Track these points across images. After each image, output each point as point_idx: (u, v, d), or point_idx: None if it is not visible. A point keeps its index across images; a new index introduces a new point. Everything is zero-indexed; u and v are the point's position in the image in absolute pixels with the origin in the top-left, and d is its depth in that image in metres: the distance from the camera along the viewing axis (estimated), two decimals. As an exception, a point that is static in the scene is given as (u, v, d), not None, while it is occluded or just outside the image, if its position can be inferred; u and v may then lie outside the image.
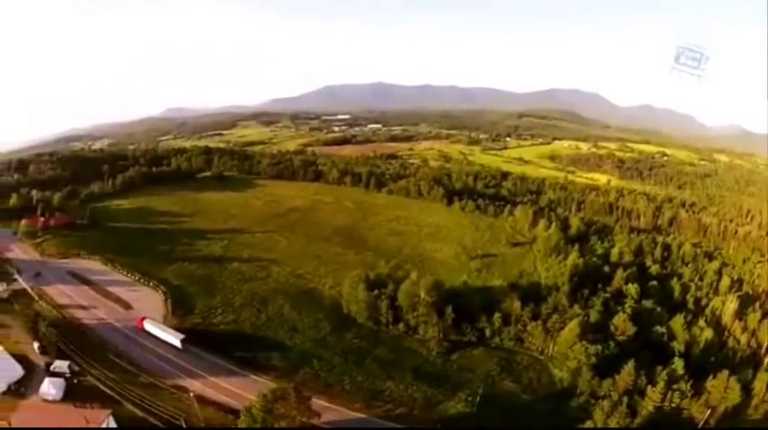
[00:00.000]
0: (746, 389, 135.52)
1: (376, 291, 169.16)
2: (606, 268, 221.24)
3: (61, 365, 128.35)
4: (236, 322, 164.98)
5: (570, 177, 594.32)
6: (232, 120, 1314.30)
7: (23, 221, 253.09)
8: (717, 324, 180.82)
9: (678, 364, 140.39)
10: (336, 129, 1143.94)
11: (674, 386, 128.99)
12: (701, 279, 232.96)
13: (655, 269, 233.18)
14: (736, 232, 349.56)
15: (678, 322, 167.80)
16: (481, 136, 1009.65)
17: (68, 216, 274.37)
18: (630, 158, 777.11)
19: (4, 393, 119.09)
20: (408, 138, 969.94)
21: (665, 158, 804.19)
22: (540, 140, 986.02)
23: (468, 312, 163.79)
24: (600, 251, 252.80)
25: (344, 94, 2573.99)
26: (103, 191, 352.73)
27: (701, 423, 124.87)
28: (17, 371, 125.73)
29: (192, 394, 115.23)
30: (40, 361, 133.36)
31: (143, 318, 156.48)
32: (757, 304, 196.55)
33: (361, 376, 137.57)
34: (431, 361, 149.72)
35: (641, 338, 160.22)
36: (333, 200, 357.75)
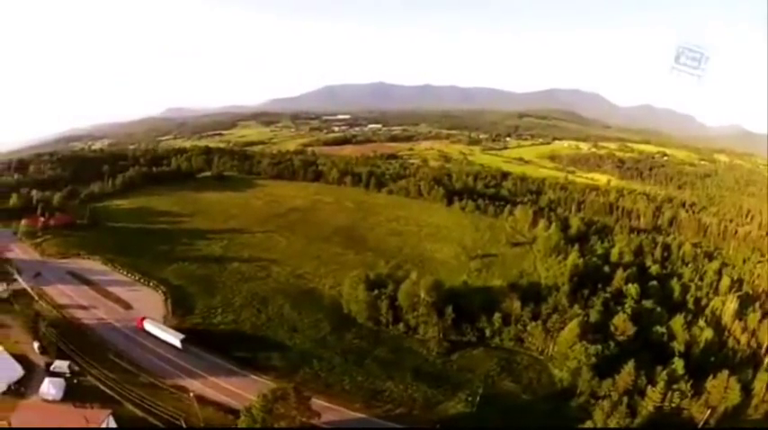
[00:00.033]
0: (746, 390, 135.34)
1: (376, 291, 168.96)
2: (606, 268, 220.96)
3: (61, 365, 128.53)
4: (236, 322, 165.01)
5: (570, 177, 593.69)
6: (232, 120, 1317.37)
7: (23, 221, 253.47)
8: (717, 324, 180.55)
9: (678, 364, 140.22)
10: (336, 129, 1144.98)
11: (674, 386, 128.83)
12: (701, 279, 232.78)
13: (655, 269, 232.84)
14: (736, 232, 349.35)
15: (678, 322, 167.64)
16: (481, 136, 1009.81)
17: (68, 216, 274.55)
18: (630, 158, 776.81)
19: (5, 393, 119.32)
20: (408, 138, 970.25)
21: (665, 158, 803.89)
22: (541, 140, 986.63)
23: (468, 312, 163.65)
24: (600, 251, 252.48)
25: (345, 93, 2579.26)
26: (103, 191, 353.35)
27: (701, 423, 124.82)
28: (17, 370, 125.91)
29: (191, 394, 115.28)
30: (40, 361, 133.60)
31: (143, 318, 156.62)
32: (757, 304, 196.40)
33: (361, 376, 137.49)
34: (431, 361, 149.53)
35: (641, 338, 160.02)
36: (333, 200, 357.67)
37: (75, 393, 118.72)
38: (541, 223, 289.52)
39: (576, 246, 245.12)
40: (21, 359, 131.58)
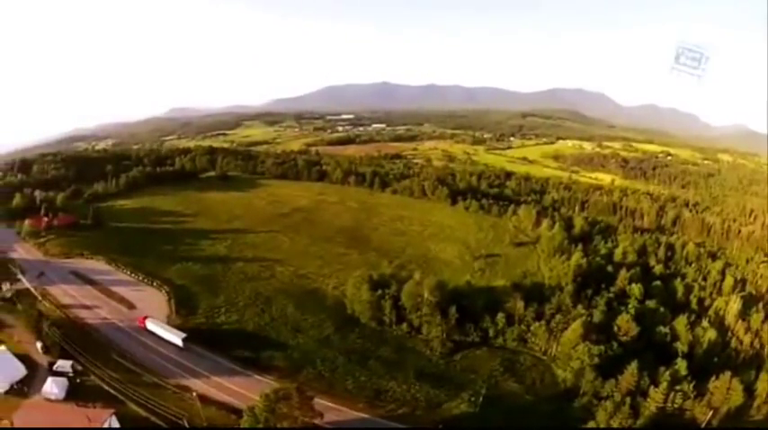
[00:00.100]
0: (749, 390, 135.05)
1: (379, 291, 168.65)
2: (610, 268, 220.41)
3: (64, 365, 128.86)
4: (239, 322, 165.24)
5: (574, 177, 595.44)
6: (236, 119, 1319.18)
7: (27, 221, 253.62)
8: (720, 324, 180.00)
9: (681, 365, 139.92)
10: (340, 128, 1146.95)
11: (677, 387, 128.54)
12: (704, 279, 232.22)
13: (658, 269, 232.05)
14: (739, 232, 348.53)
15: (681, 322, 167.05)
16: (485, 135, 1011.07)
17: (72, 216, 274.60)
18: (634, 158, 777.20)
19: (7, 392, 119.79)
20: (412, 138, 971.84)
21: (669, 158, 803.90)
22: (545, 140, 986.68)
23: (472, 312, 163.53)
24: (603, 251, 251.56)
25: (348, 93, 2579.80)
26: (107, 191, 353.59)
27: (704, 424, 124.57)
28: (20, 370, 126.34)
29: (194, 394, 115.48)
30: (43, 360, 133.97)
31: (145, 317, 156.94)
32: (760, 304, 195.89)
33: (364, 376, 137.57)
34: (434, 361, 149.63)
35: (644, 339, 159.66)
36: (337, 200, 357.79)
37: (77, 393, 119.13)
38: (545, 223, 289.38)
39: (580, 246, 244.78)
40: (24, 358, 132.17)
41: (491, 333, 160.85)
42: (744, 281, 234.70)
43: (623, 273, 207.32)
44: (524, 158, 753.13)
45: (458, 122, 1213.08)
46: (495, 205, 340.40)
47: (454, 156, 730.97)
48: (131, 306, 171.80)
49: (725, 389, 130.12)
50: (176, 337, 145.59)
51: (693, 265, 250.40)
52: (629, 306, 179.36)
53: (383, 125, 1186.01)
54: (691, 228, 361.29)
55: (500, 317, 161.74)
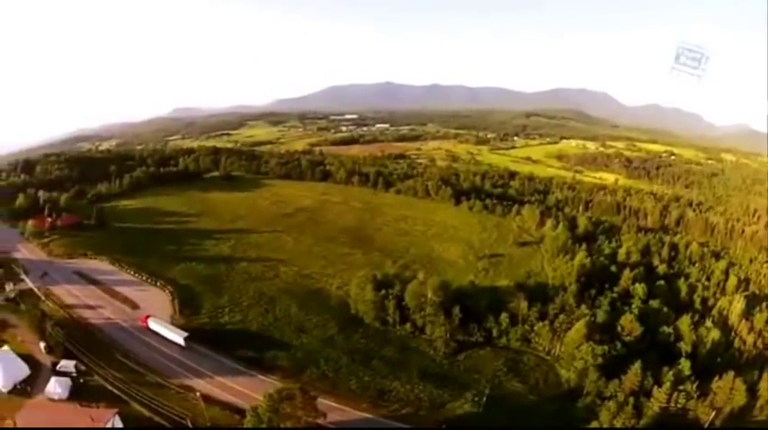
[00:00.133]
0: (752, 390, 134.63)
1: (383, 291, 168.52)
2: (613, 268, 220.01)
3: (67, 365, 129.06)
4: (243, 322, 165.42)
5: (578, 177, 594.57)
6: (240, 119, 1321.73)
7: (31, 222, 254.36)
8: (723, 324, 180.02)
9: (685, 365, 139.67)
10: (344, 128, 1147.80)
11: (680, 387, 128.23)
12: (707, 279, 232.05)
13: (662, 269, 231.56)
14: (743, 231, 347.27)
15: (685, 322, 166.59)
16: (489, 135, 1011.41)
17: (75, 216, 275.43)
18: (638, 158, 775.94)
19: (11, 392, 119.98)
20: (416, 138, 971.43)
21: (673, 158, 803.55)
22: (548, 140, 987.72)
23: (475, 312, 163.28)
24: (607, 251, 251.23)
25: (352, 93, 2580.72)
26: (111, 191, 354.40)
27: (707, 424, 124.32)
28: (23, 370, 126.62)
29: (198, 394, 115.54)
30: (47, 360, 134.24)
31: (147, 316, 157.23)
32: (764, 304, 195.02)
33: (368, 376, 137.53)
34: (438, 361, 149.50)
35: (648, 339, 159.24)
36: (340, 200, 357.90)
37: (81, 393, 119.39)
38: (549, 223, 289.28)
39: (584, 246, 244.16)
40: (27, 358, 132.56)
41: (494, 333, 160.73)
42: (747, 280, 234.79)
43: (627, 273, 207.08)
44: (528, 158, 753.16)
45: (461, 122, 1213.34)
46: (498, 205, 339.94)
47: (458, 156, 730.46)
48: (135, 306, 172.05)
49: (728, 389, 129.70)
50: (178, 336, 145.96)
51: (697, 265, 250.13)
52: (633, 306, 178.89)
53: (387, 125, 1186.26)
54: (694, 227, 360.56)
55: (504, 317, 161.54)
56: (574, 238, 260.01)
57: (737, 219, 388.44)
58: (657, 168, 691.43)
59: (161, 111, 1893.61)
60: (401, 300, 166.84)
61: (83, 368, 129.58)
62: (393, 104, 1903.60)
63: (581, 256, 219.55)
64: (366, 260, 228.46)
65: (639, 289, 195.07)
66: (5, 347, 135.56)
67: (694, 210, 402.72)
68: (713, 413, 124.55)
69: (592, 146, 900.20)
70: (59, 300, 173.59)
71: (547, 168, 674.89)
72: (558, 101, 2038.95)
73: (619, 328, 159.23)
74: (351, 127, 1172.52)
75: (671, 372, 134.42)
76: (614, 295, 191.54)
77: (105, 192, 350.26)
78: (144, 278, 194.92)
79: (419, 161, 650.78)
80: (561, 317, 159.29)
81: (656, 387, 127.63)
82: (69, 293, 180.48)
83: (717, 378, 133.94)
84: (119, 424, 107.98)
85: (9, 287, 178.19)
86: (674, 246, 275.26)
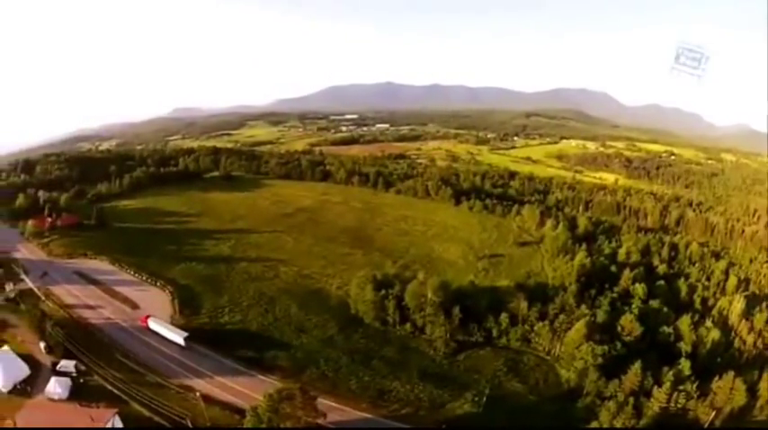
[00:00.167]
0: (752, 390, 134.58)
1: (383, 292, 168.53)
2: (613, 268, 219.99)
3: (67, 365, 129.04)
4: (243, 322, 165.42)
5: (578, 177, 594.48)
6: (240, 120, 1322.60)
7: (31, 222, 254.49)
8: (723, 324, 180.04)
9: (685, 365, 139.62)
10: (344, 128, 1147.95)
11: (680, 387, 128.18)
12: (707, 279, 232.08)
13: (662, 269, 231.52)
14: (742, 231, 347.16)
15: (685, 322, 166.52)
16: (489, 135, 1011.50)
17: (75, 216, 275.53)
18: (638, 158, 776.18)
19: (11, 392, 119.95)
20: (416, 138, 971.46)
21: (673, 158, 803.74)
22: (548, 140, 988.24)
23: (475, 312, 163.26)
24: (607, 251, 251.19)
25: (352, 93, 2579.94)
26: (111, 191, 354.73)
27: (707, 424, 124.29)
28: (23, 370, 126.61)
29: (198, 394, 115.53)
30: (47, 360, 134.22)
31: (147, 316, 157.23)
32: (764, 304, 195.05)
33: (368, 376, 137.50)
34: (437, 361, 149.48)
35: (648, 339, 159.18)
36: (341, 200, 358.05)
37: (81, 392, 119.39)
38: (549, 223, 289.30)
39: (584, 246, 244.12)
40: (27, 358, 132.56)
41: (494, 333, 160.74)
42: (747, 280, 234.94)
43: (627, 273, 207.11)
44: (528, 158, 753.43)
45: (461, 122, 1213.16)
46: (498, 205, 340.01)
47: (458, 156, 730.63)
48: (135, 306, 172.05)
49: (728, 389, 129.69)
50: (178, 336, 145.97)
51: (697, 265, 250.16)
52: (633, 306, 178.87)
53: (387, 125, 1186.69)
54: (694, 227, 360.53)
55: (503, 317, 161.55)
56: (574, 238, 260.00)
57: (737, 219, 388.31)
58: (657, 168, 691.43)
59: (161, 112, 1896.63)
60: (401, 300, 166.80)
61: (83, 368, 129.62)
62: (393, 104, 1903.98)
63: (581, 256, 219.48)
64: (366, 260, 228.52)
65: (639, 289, 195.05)
66: (5, 347, 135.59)
67: (694, 210, 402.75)
68: (713, 413, 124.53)
69: (592, 146, 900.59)
70: (59, 300, 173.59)
71: (547, 168, 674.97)
72: (558, 101, 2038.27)
73: (619, 328, 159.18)
74: (351, 127, 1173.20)
75: (671, 372, 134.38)
76: (614, 295, 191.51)
77: (105, 192, 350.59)
78: (144, 278, 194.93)
79: (419, 161, 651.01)
80: (561, 317, 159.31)
81: (656, 387, 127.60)
82: (69, 293, 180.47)
83: (717, 378, 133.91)
84: (119, 424, 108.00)
85: (9, 287, 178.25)
86: (674, 246, 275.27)
